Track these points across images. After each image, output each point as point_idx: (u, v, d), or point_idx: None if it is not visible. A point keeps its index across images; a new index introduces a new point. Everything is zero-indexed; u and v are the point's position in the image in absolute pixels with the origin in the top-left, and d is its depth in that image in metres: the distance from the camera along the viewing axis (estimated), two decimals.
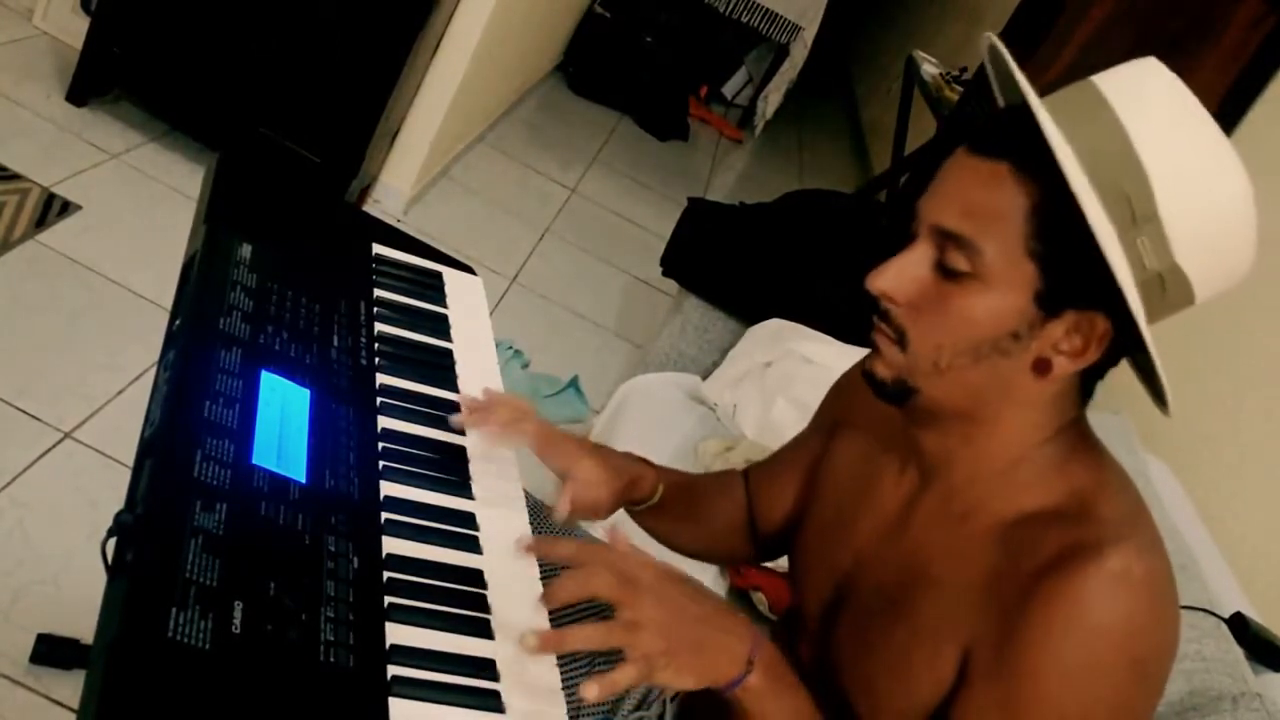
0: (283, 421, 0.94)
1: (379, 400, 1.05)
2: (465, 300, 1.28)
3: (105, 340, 2.17)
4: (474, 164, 3.80)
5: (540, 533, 1.07)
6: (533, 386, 2.73)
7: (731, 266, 2.42)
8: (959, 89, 3.89)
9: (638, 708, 1.15)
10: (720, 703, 0.91)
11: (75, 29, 2.91)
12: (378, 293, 1.19)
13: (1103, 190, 0.82)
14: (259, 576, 0.79)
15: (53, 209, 2.43)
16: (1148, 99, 0.83)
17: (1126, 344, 0.86)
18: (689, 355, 2.45)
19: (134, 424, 0.89)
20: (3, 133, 2.59)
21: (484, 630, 0.88)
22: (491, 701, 0.82)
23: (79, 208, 2.48)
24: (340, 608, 0.82)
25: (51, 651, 1.56)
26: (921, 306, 0.89)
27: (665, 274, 2.52)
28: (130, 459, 0.87)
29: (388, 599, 0.86)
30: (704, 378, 2.31)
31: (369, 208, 3.09)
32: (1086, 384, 0.91)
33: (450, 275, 1.31)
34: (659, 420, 2.11)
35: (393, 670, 0.80)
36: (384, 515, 0.93)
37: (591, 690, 0.81)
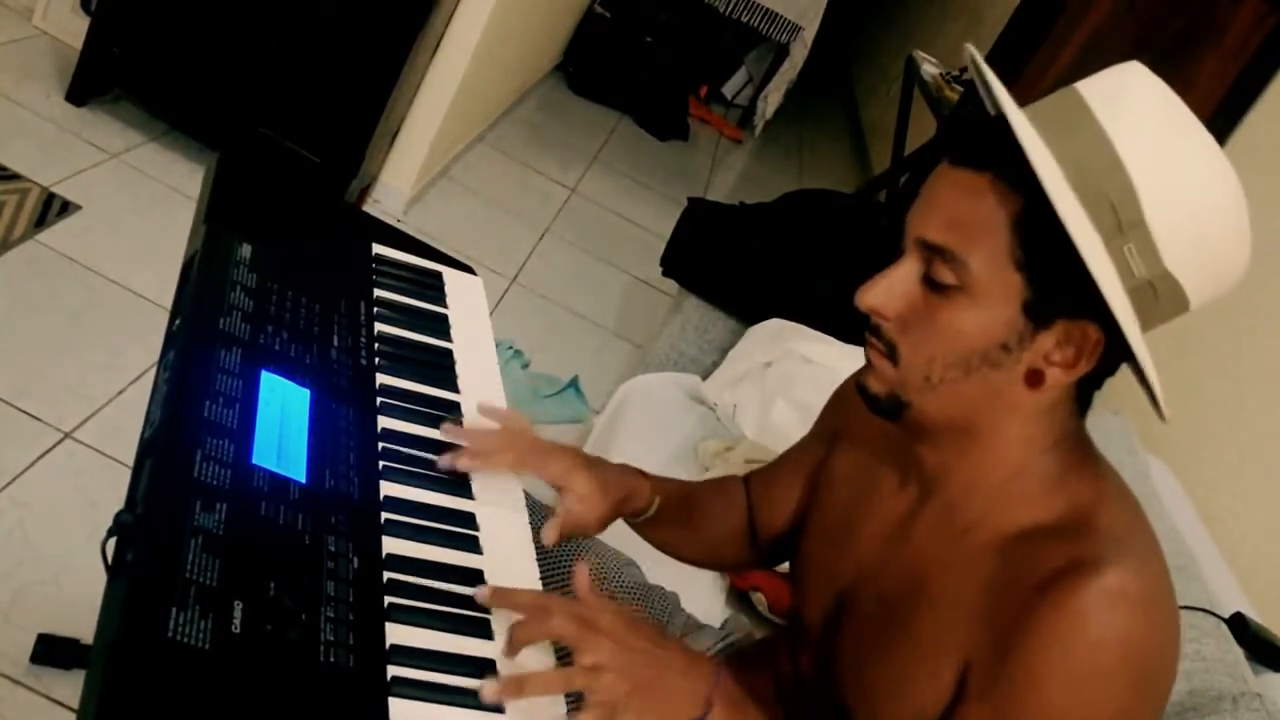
0: (283, 421, 0.94)
1: (379, 400, 1.05)
2: (465, 300, 1.28)
3: (105, 340, 2.17)
4: (474, 164, 3.80)
5: (539, 535, 1.07)
6: (533, 386, 2.73)
7: (731, 266, 2.42)
8: (959, 89, 3.89)
9: None
10: None
11: (75, 29, 2.91)
12: (378, 293, 1.19)
13: (1086, 198, 0.81)
14: (259, 576, 0.79)
15: (52, 209, 2.43)
16: (1130, 103, 0.83)
17: (1121, 352, 0.86)
18: (689, 355, 2.45)
19: (134, 424, 0.89)
20: (2, 132, 2.59)
21: (484, 630, 0.88)
22: None
23: (79, 207, 2.48)
24: (340, 608, 0.82)
25: (51, 651, 1.56)
26: (911, 320, 0.88)
27: (665, 274, 2.52)
28: (130, 459, 0.87)
29: (388, 599, 0.86)
30: (704, 378, 2.32)
31: (369, 208, 3.09)
32: (1083, 394, 0.91)
33: (450, 275, 1.31)
34: (659, 420, 2.11)
35: (393, 670, 0.80)
36: (384, 515, 0.93)
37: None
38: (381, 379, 1.07)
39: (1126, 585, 0.80)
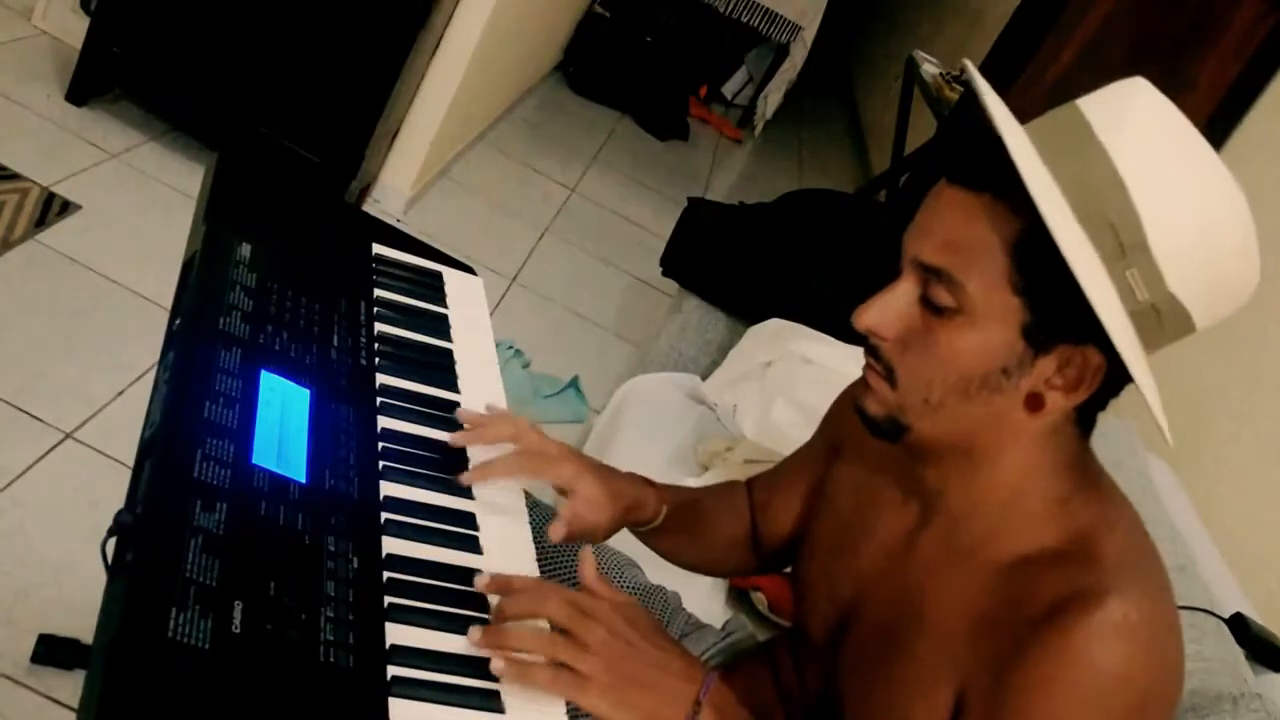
0: (283, 421, 0.94)
1: (379, 400, 1.05)
2: (465, 300, 1.28)
3: (105, 340, 2.17)
4: (474, 164, 3.80)
5: (539, 535, 1.06)
6: (533, 386, 2.73)
7: (731, 266, 2.42)
8: (959, 89, 3.89)
9: None
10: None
11: (75, 28, 2.91)
12: (378, 293, 1.19)
13: (1087, 220, 0.80)
14: (259, 576, 0.79)
15: (52, 209, 2.43)
16: (1133, 122, 0.80)
17: (1124, 375, 0.84)
18: (689, 355, 2.45)
19: (134, 424, 0.89)
20: (2, 132, 2.59)
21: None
22: (491, 701, 0.82)
23: (79, 207, 2.48)
24: (340, 608, 0.81)
25: (52, 651, 1.56)
26: (909, 342, 0.87)
27: (665, 274, 2.52)
28: (130, 459, 0.87)
29: (388, 599, 0.86)
30: (704, 378, 2.31)
31: (368, 207, 3.09)
32: (1087, 415, 0.89)
33: (450, 275, 1.31)
34: (659, 420, 2.11)
35: (392, 670, 0.80)
36: (384, 515, 0.93)
37: (498, 664, 0.82)
38: (381, 379, 1.07)
39: (1129, 616, 0.79)
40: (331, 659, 0.78)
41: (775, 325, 2.29)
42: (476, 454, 1.06)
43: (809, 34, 5.65)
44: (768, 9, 5.65)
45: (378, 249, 1.26)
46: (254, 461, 0.88)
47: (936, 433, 0.89)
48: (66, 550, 1.72)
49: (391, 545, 0.91)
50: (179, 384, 0.90)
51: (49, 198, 2.45)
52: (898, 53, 5.49)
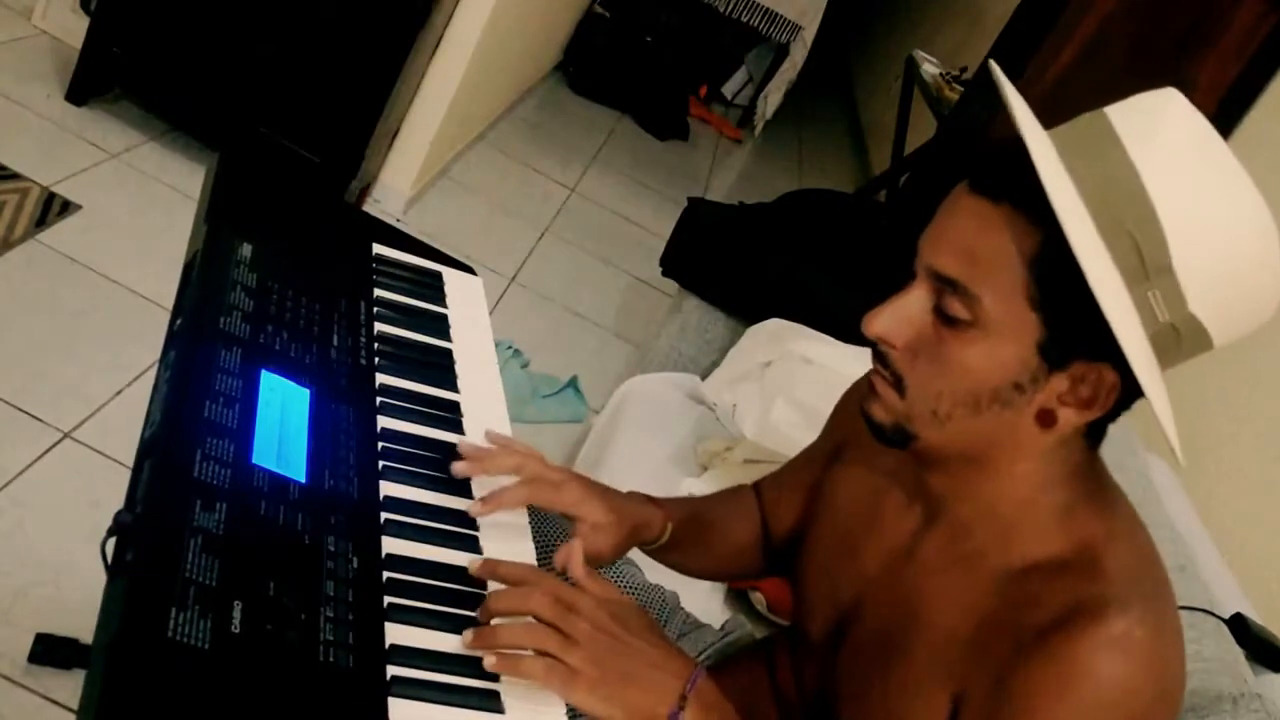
0: (283, 421, 0.94)
1: (379, 400, 1.04)
2: (465, 300, 1.28)
3: (105, 340, 2.17)
4: (474, 163, 3.80)
5: (539, 535, 1.06)
6: (532, 386, 2.73)
7: (731, 266, 2.42)
8: (959, 89, 3.89)
9: None
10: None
11: (75, 28, 2.91)
12: (378, 293, 1.19)
13: (1110, 238, 0.78)
14: (259, 576, 0.79)
15: (52, 209, 2.43)
16: (1163, 136, 0.78)
17: (1137, 392, 0.82)
18: (688, 355, 2.45)
19: (134, 424, 0.89)
20: (2, 132, 2.59)
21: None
22: (491, 702, 0.82)
23: (79, 207, 2.48)
24: (340, 608, 0.81)
25: (50, 651, 1.56)
26: (920, 351, 0.85)
27: (665, 274, 2.52)
28: (130, 459, 0.87)
29: (387, 599, 0.85)
30: (704, 378, 2.31)
31: (368, 207, 3.09)
32: (1097, 428, 0.88)
33: (450, 275, 1.31)
34: (658, 420, 2.11)
35: (392, 670, 0.80)
36: (384, 515, 0.93)
37: (489, 659, 0.82)
38: (381, 379, 1.07)
39: (1132, 631, 0.78)
40: (331, 659, 0.78)
41: (775, 325, 2.29)
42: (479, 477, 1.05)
43: (809, 34, 5.65)
44: (768, 9, 5.65)
45: (378, 249, 1.26)
46: (254, 461, 0.88)
47: (944, 443, 0.88)
48: (65, 550, 1.72)
49: (391, 545, 0.91)
50: (179, 384, 0.90)
51: (49, 198, 2.45)
52: (898, 53, 5.50)
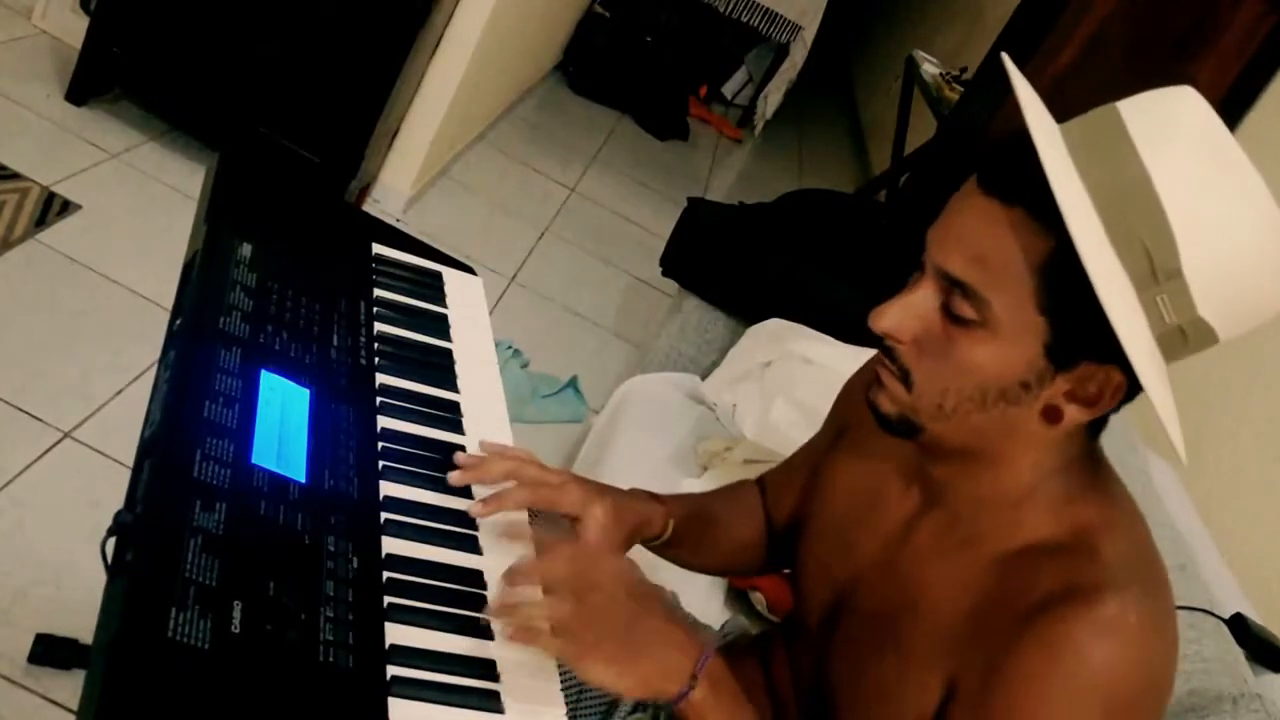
0: (282, 421, 0.94)
1: (379, 400, 1.04)
2: (465, 300, 1.28)
3: (105, 340, 2.17)
4: (473, 163, 3.80)
5: (539, 534, 1.06)
6: (532, 386, 2.73)
7: (731, 267, 2.41)
8: (959, 89, 3.89)
9: (635, 709, 1.15)
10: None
11: (74, 28, 2.91)
12: (377, 293, 1.19)
13: (1119, 241, 0.78)
14: (259, 576, 0.79)
15: (52, 208, 2.43)
16: (1175, 138, 0.77)
17: (1140, 387, 0.82)
18: (688, 355, 2.45)
19: (134, 424, 0.89)
20: (2, 132, 2.59)
21: (484, 630, 0.88)
22: (491, 702, 0.82)
23: (79, 207, 2.48)
24: (340, 608, 0.81)
25: (49, 651, 1.56)
26: (927, 347, 0.86)
27: (665, 274, 2.52)
28: (130, 459, 0.87)
29: (387, 599, 0.85)
30: (704, 378, 2.31)
31: (368, 207, 3.09)
32: (1098, 420, 0.88)
33: (450, 275, 1.31)
34: (658, 420, 2.11)
35: (392, 670, 0.80)
36: (384, 515, 0.93)
37: (508, 631, 0.85)
38: (381, 379, 1.07)
39: (1124, 615, 0.79)
40: (331, 659, 0.78)
41: (775, 325, 2.29)
42: (476, 450, 1.06)
43: (809, 34, 5.65)
44: (768, 9, 5.65)
45: (377, 249, 1.26)
46: (254, 461, 0.88)
47: (949, 436, 0.89)
48: (65, 550, 1.72)
49: (391, 545, 0.91)
50: (179, 383, 0.90)
51: (49, 197, 2.45)
52: (898, 53, 5.50)
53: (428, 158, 3.17)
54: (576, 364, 2.92)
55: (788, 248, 2.42)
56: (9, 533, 1.71)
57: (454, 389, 1.13)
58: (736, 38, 5.94)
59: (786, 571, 1.27)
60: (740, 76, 6.16)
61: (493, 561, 0.95)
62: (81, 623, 1.56)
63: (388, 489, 0.95)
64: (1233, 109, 2.53)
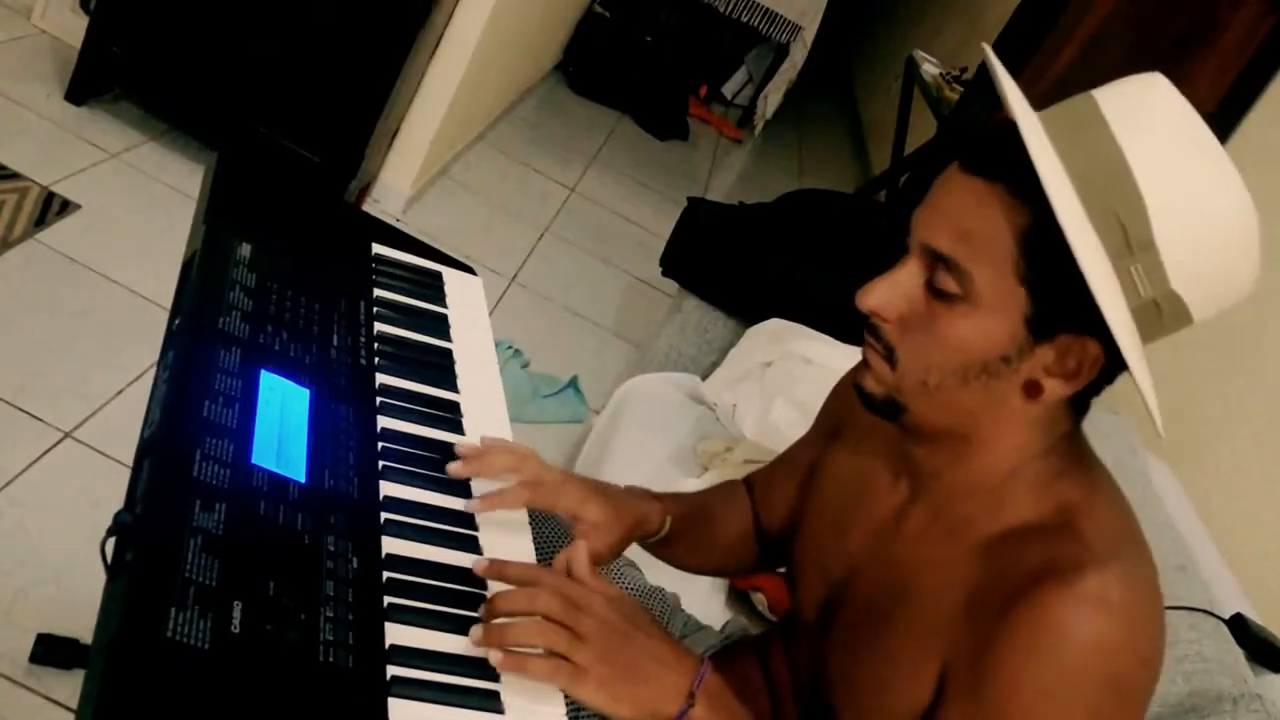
0: (282, 421, 0.94)
1: (379, 400, 1.04)
2: (465, 300, 1.28)
3: (105, 340, 2.17)
4: (473, 163, 3.80)
5: (539, 534, 1.06)
6: (532, 386, 2.73)
7: (731, 266, 2.41)
8: (959, 89, 3.89)
9: None
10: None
11: (74, 28, 2.91)
12: (377, 292, 1.19)
13: (1095, 215, 0.80)
14: (258, 576, 0.79)
15: (52, 208, 2.43)
16: (1148, 119, 0.81)
17: (1121, 365, 0.85)
18: (689, 355, 2.45)
19: (134, 424, 0.89)
20: (2, 132, 2.59)
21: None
22: (491, 702, 0.82)
23: (78, 207, 2.48)
24: (340, 608, 0.81)
25: (50, 651, 1.56)
26: (911, 325, 0.88)
27: (665, 274, 2.52)
28: (130, 459, 0.87)
29: (387, 599, 0.85)
30: (704, 378, 2.31)
31: (368, 207, 3.09)
32: (1081, 399, 0.90)
33: (450, 275, 1.31)
34: (659, 420, 2.11)
35: (392, 670, 0.80)
36: (383, 515, 0.93)
37: (495, 656, 0.82)
38: (381, 379, 1.07)
39: (1109, 590, 0.79)
40: (331, 659, 0.77)
41: (775, 325, 2.29)
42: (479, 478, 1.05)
43: (809, 34, 5.65)
44: (768, 9, 5.65)
45: (377, 249, 1.26)
46: (253, 461, 0.88)
47: (933, 414, 0.90)
48: (65, 550, 1.72)
49: (391, 545, 0.91)
50: (179, 383, 0.90)
51: (48, 197, 2.45)
52: (898, 53, 5.50)
53: (428, 158, 3.17)
54: (576, 364, 2.92)
55: (788, 248, 2.42)
56: (9, 533, 1.71)
57: (454, 389, 1.13)
58: (736, 38, 5.94)
59: (782, 570, 1.28)
60: (740, 76, 6.16)
61: None
62: (82, 622, 1.56)
63: (388, 489, 0.95)
64: (1233, 109, 2.53)
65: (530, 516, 1.06)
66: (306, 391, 0.99)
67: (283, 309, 1.06)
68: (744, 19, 5.69)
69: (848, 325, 2.23)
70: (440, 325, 1.22)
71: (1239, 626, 1.55)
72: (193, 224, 1.10)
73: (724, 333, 2.44)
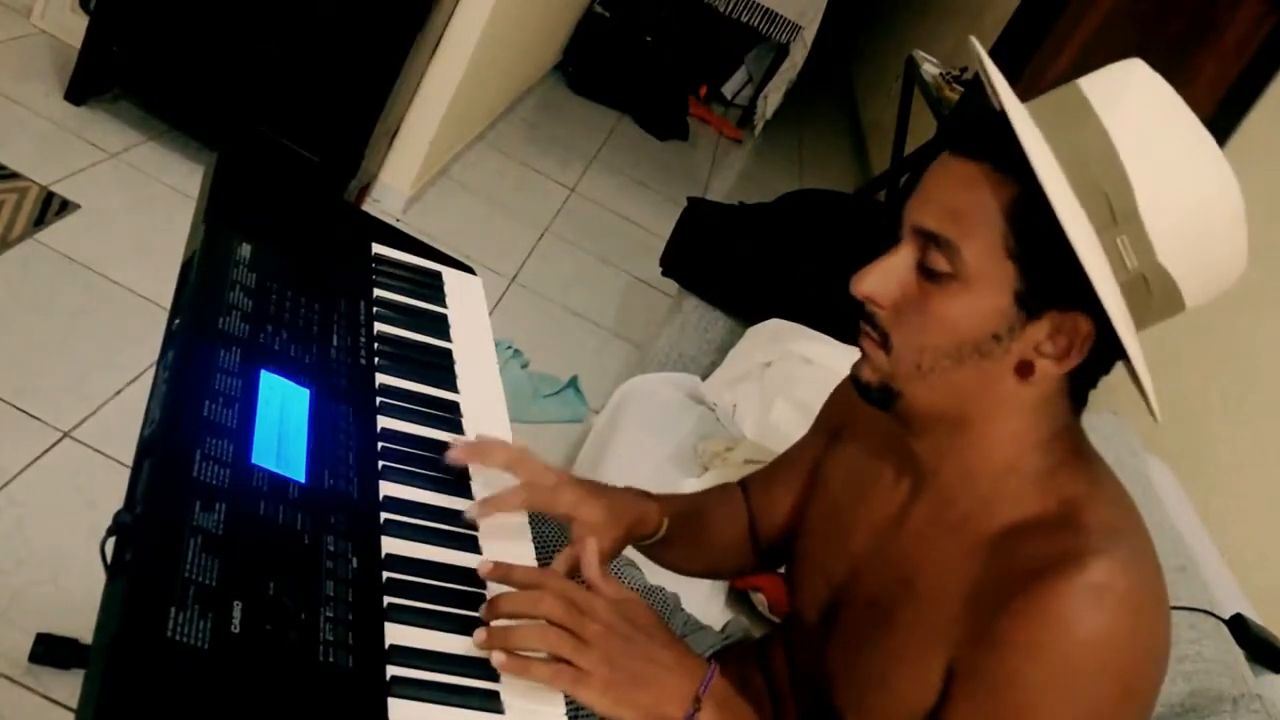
0: (282, 421, 0.94)
1: (378, 400, 1.04)
2: (465, 300, 1.28)
3: (104, 340, 2.17)
4: (473, 163, 3.80)
5: (538, 535, 1.06)
6: (532, 386, 2.73)
7: (731, 266, 2.41)
8: (959, 89, 3.89)
9: None
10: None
11: (74, 27, 2.91)
12: (377, 292, 1.19)
13: (1081, 190, 0.82)
14: (258, 576, 0.79)
15: (51, 208, 2.43)
16: (1130, 99, 0.83)
17: (1113, 348, 0.85)
18: (689, 355, 2.45)
19: (133, 423, 0.89)
20: (1, 131, 2.59)
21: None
22: (491, 702, 0.82)
23: (77, 207, 2.48)
24: (339, 608, 0.81)
25: (49, 651, 1.56)
26: (904, 309, 0.89)
27: (665, 274, 2.52)
28: (129, 458, 0.87)
29: (387, 599, 0.85)
30: (704, 378, 2.31)
31: (368, 207, 3.09)
32: (1078, 391, 0.90)
33: (450, 275, 1.31)
34: (659, 420, 2.11)
35: (392, 670, 0.80)
36: (383, 515, 0.93)
37: (498, 658, 0.82)
38: (381, 379, 1.07)
39: (1113, 581, 0.80)
40: (331, 659, 0.77)
41: (775, 325, 2.29)
42: (476, 473, 1.05)
43: (809, 34, 5.65)
44: (768, 9, 5.65)
45: (377, 249, 1.26)
46: (253, 461, 0.88)
47: (928, 400, 0.91)
48: (65, 549, 1.72)
49: (391, 545, 0.90)
50: (178, 383, 0.90)
51: (48, 197, 2.45)
52: (898, 53, 5.50)
53: (427, 157, 3.17)
54: (576, 364, 2.92)
55: (788, 248, 2.42)
56: (8, 532, 1.71)
57: (454, 389, 1.13)
58: (736, 38, 5.94)
59: (782, 570, 1.28)
60: (740, 76, 6.16)
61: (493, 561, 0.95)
62: (81, 622, 1.56)
63: (387, 489, 0.95)
64: (1233, 109, 2.52)
65: (530, 517, 1.05)
66: (306, 391, 0.99)
67: (282, 309, 1.06)
68: (744, 19, 5.70)
69: (848, 325, 2.23)
70: (440, 325, 1.21)
71: (1239, 626, 1.55)
72: (192, 224, 1.10)
73: (724, 333, 2.44)
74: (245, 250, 1.09)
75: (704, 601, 1.62)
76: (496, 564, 0.91)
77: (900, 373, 0.90)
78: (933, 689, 0.87)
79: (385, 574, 0.87)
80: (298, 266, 1.14)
